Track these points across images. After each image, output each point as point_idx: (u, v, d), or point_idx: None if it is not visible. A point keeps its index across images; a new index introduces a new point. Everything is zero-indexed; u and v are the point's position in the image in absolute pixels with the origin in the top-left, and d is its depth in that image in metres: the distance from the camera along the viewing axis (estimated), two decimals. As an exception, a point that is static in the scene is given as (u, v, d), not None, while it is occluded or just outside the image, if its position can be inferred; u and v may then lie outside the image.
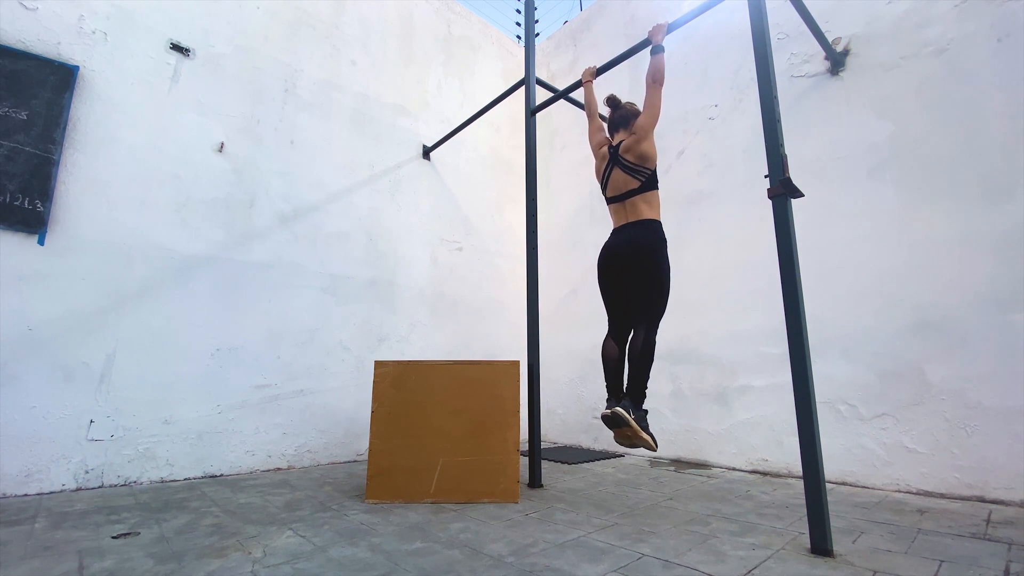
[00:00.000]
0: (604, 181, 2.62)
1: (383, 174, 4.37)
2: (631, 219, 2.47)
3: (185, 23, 3.41)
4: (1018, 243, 2.53)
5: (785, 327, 1.95)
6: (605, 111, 2.80)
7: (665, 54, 2.55)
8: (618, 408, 2.19)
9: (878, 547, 1.84)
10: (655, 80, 2.46)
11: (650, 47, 2.61)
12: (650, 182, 2.46)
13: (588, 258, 4.86)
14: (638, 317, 2.41)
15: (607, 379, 2.48)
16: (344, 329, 3.91)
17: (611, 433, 2.32)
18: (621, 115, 2.64)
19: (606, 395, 2.47)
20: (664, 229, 2.45)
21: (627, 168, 2.48)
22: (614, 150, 2.56)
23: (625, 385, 2.37)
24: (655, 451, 2.31)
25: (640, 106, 2.58)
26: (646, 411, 2.32)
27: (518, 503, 2.52)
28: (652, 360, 2.33)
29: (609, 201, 2.60)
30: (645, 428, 2.23)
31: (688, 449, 3.74)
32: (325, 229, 3.92)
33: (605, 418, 2.26)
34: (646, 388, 2.33)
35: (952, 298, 2.70)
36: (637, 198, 2.45)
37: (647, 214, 2.43)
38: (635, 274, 2.41)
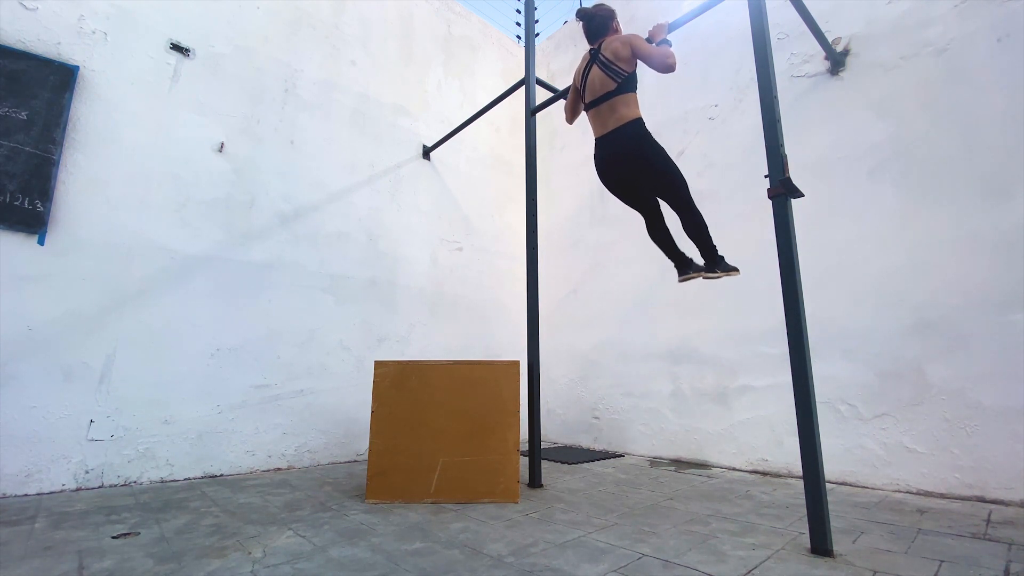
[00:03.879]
0: (583, 84, 2.60)
1: (383, 174, 4.37)
2: (609, 126, 2.46)
3: (185, 23, 3.41)
4: (1018, 243, 2.53)
5: (785, 327, 1.95)
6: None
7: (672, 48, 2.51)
8: (706, 273, 2.50)
9: (878, 547, 1.84)
10: (667, 57, 2.32)
11: (657, 43, 2.56)
12: (627, 83, 2.44)
13: (588, 258, 4.88)
14: (673, 205, 2.51)
15: (669, 254, 2.65)
16: (344, 329, 3.91)
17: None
18: (599, 23, 2.59)
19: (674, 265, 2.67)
20: (644, 123, 2.45)
21: (605, 65, 2.45)
22: (595, 50, 2.55)
23: (701, 254, 2.55)
24: (739, 273, 2.58)
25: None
26: (721, 256, 2.53)
27: (518, 503, 2.52)
28: (704, 224, 2.48)
29: (588, 107, 2.58)
30: (726, 268, 2.50)
31: (688, 449, 3.74)
32: (325, 229, 3.92)
33: (683, 280, 2.59)
34: (712, 244, 2.52)
35: (952, 298, 2.70)
36: (616, 100, 2.43)
37: (627, 116, 2.42)
38: (640, 181, 2.47)
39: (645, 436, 4.05)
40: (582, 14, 2.65)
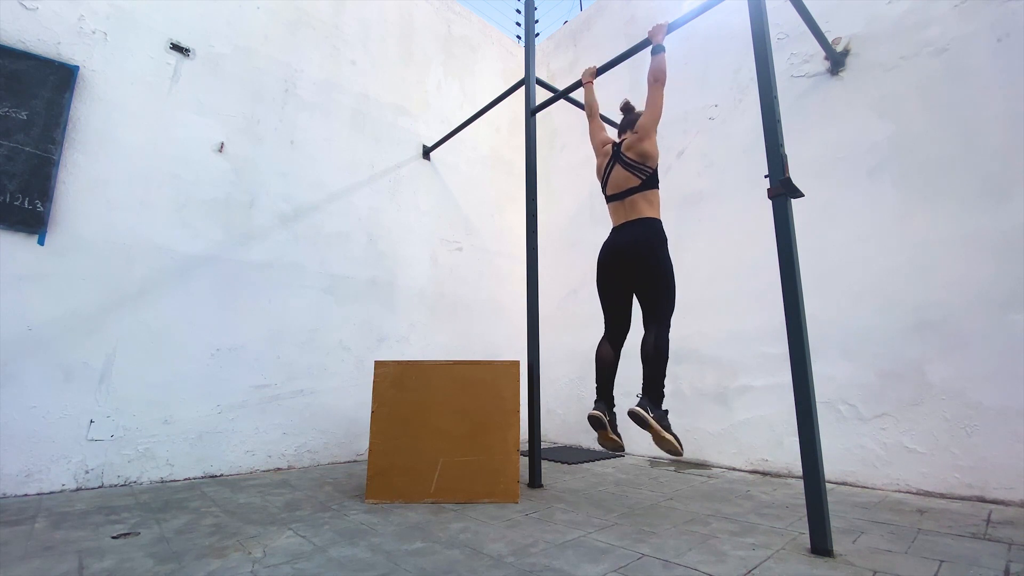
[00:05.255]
0: (605, 179, 2.62)
1: (383, 174, 4.37)
2: (631, 217, 2.47)
3: (185, 23, 3.41)
4: (1018, 243, 2.53)
5: (785, 327, 1.95)
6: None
7: (665, 54, 2.56)
8: (636, 408, 2.14)
9: (878, 547, 1.84)
10: (656, 79, 2.47)
11: (651, 47, 2.61)
12: (651, 181, 2.46)
13: (588, 258, 4.85)
14: (648, 317, 2.41)
15: (598, 381, 2.47)
16: (344, 329, 3.91)
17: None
18: (629, 119, 2.66)
19: (595, 396, 2.47)
20: (664, 228, 2.46)
21: (628, 165, 2.49)
22: (617, 147, 2.59)
23: (642, 385, 2.30)
24: (681, 455, 2.17)
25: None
26: (666, 411, 2.25)
27: (518, 503, 2.52)
28: (667, 358, 2.30)
29: (609, 199, 2.60)
30: (667, 428, 2.16)
31: (688, 449, 3.74)
32: (325, 229, 3.92)
33: (592, 419, 2.27)
34: (664, 388, 2.29)
35: (952, 298, 2.70)
36: (637, 196, 2.46)
37: (647, 212, 2.43)
38: (639, 273, 2.41)
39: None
40: (626, 106, 2.74)
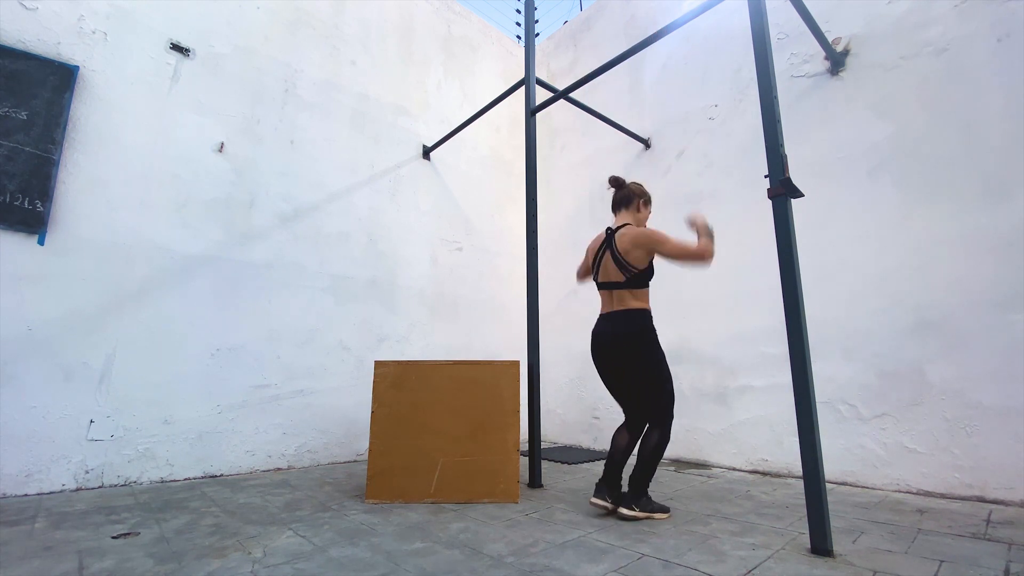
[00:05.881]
0: (596, 265, 2.52)
1: (383, 174, 4.37)
2: (616, 308, 2.40)
3: (185, 23, 3.41)
4: (1018, 243, 2.53)
5: (785, 327, 1.95)
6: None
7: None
8: (621, 509, 2.22)
9: (878, 547, 1.84)
10: (707, 252, 2.24)
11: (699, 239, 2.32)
12: (635, 281, 2.35)
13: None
14: (646, 411, 2.35)
15: (607, 465, 2.38)
16: (344, 329, 3.91)
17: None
18: (624, 195, 2.54)
19: (601, 475, 2.44)
20: (652, 318, 2.36)
21: (617, 260, 2.38)
22: (612, 233, 2.47)
23: (631, 476, 2.29)
24: (668, 517, 2.28)
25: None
26: (649, 497, 2.29)
27: (518, 503, 2.52)
28: (663, 455, 2.29)
29: (599, 287, 2.52)
30: (653, 509, 2.24)
31: (688, 449, 3.74)
32: (325, 229, 3.92)
33: (594, 505, 2.29)
34: (650, 479, 2.28)
35: (952, 298, 2.70)
36: (624, 291, 2.38)
37: (632, 304, 2.36)
38: (624, 366, 2.36)
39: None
40: (614, 181, 2.60)
